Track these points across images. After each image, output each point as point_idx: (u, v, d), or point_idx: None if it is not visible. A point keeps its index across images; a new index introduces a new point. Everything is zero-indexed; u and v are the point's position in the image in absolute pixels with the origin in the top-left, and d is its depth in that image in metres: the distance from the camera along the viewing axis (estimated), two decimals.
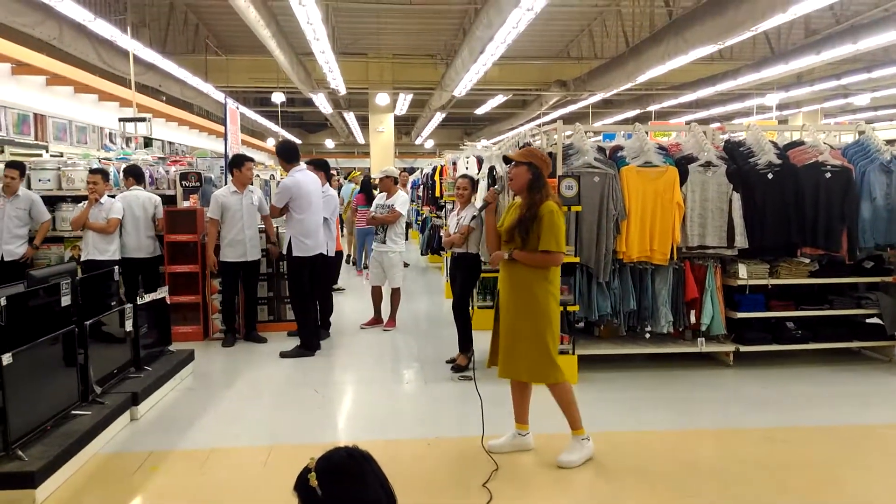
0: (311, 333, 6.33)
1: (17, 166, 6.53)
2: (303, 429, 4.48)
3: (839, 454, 4.00)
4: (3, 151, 8.37)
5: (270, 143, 26.66)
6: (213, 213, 6.44)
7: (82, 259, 6.39)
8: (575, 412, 3.81)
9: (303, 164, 6.46)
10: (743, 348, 5.65)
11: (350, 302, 8.95)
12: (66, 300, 4.36)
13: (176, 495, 3.52)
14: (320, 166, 6.93)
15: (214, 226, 6.47)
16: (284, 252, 6.30)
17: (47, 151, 9.18)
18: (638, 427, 4.41)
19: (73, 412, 4.01)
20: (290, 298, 6.72)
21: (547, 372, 3.74)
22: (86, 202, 6.35)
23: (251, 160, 6.69)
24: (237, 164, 6.49)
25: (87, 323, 4.24)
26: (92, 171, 6.45)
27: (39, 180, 6.99)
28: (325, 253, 6.56)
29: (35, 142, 9.35)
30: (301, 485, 1.69)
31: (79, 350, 4.10)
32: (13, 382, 3.35)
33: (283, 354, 6.16)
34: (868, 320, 5.90)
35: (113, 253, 6.43)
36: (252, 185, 6.68)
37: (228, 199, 6.46)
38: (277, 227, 6.93)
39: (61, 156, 8.19)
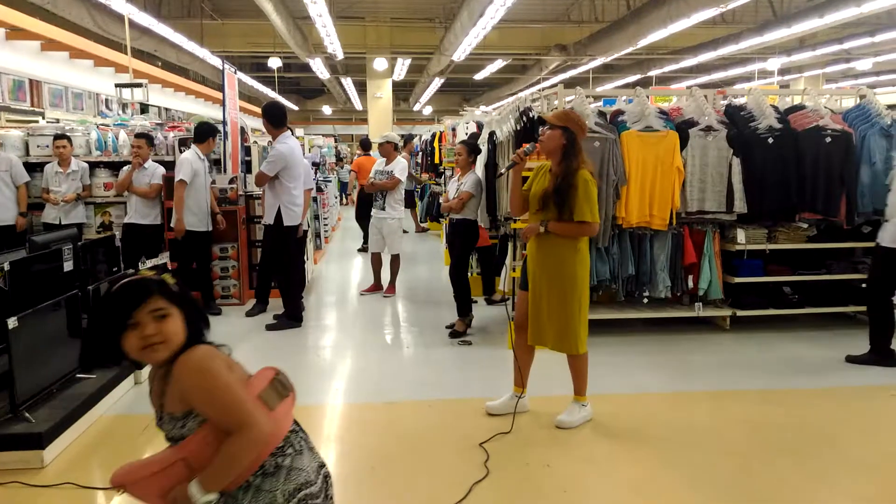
0: (298, 304, 6.12)
1: None
2: (305, 391, 4.50)
3: (834, 415, 4.06)
4: None
5: None
6: (187, 176, 6.07)
7: (125, 222, 6.44)
8: (585, 381, 3.87)
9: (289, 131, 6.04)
10: (740, 313, 5.70)
11: (351, 269, 8.97)
12: (68, 266, 4.38)
13: None
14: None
15: (184, 188, 6.07)
16: (272, 222, 5.85)
17: (43, 118, 9.12)
18: (635, 389, 4.47)
19: (78, 375, 4.06)
20: (274, 269, 6.25)
21: (571, 342, 3.76)
22: (130, 166, 6.39)
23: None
24: (212, 134, 6.38)
25: (90, 288, 4.26)
26: (137, 136, 6.49)
27: (38, 146, 6.96)
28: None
29: (31, 108, 9.28)
30: None
31: (82, 315, 4.13)
32: (19, 346, 3.39)
33: (270, 327, 5.93)
34: (864, 285, 5.93)
35: (154, 217, 6.47)
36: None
37: (198, 164, 6.23)
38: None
39: (58, 122, 8.14)
